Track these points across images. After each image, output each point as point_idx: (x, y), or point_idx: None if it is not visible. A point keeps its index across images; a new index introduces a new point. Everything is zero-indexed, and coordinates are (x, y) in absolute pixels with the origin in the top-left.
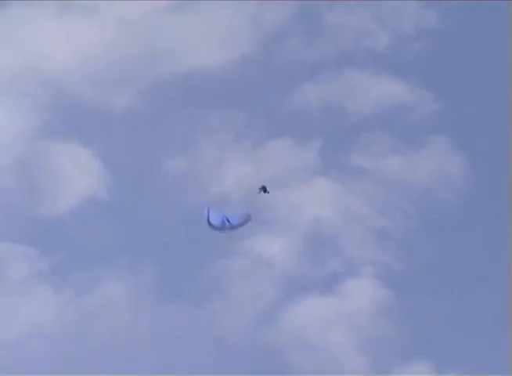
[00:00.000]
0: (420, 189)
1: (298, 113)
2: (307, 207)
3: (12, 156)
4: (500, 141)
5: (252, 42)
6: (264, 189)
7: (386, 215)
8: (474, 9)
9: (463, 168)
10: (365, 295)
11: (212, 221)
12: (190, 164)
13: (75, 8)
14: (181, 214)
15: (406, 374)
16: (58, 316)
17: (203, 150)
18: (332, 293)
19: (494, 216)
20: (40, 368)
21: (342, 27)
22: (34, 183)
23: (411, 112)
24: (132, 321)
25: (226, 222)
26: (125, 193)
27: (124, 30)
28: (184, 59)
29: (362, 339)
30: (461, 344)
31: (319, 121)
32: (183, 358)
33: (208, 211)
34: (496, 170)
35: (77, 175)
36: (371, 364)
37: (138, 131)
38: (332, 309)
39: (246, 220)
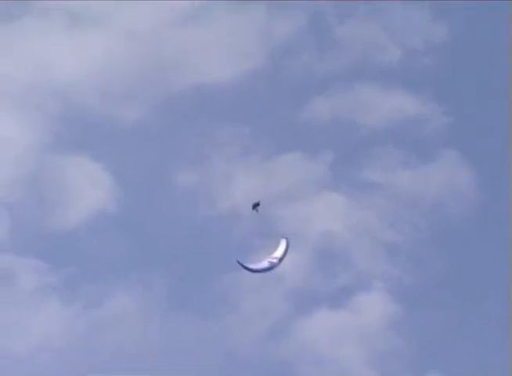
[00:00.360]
0: (431, 203)
1: (308, 127)
2: (317, 221)
3: (22, 169)
4: (510, 154)
5: (262, 56)
6: (256, 205)
7: (396, 229)
8: (484, 22)
9: (473, 181)
10: (376, 309)
11: (258, 267)
12: (200, 177)
13: (85, 21)
14: (191, 227)
15: None
16: (67, 329)
17: (212, 163)
18: (342, 307)
19: (504, 230)
20: None
21: (352, 40)
22: (43, 196)
23: (421, 126)
24: (142, 334)
25: (274, 260)
26: (135, 206)
27: (134, 44)
28: (193, 72)
29: (372, 353)
30: (471, 357)
31: (329, 135)
32: (193, 371)
33: (243, 264)
34: (506, 184)
35: (87, 188)
36: None
37: (147, 144)
38: (342, 322)
39: (288, 244)
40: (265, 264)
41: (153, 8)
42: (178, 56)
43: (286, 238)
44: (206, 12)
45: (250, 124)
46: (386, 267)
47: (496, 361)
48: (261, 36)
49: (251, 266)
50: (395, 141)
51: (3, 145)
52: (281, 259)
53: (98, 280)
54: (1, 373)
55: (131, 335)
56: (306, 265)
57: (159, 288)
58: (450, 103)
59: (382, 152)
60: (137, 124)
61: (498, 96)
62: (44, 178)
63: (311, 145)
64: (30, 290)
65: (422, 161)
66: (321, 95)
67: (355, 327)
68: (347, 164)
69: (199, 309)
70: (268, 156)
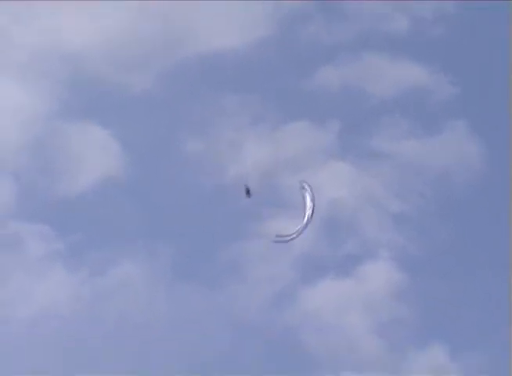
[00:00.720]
0: (438, 173)
1: (316, 96)
2: (324, 189)
3: (30, 135)
4: None
5: (271, 24)
6: (247, 191)
7: (403, 199)
8: None
9: (480, 152)
10: (382, 278)
11: (299, 227)
12: (208, 146)
13: None
14: (198, 195)
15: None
16: (72, 296)
17: (220, 132)
18: (348, 275)
19: (510, 201)
20: (54, 348)
21: (361, 9)
22: (51, 163)
23: (430, 96)
24: (148, 302)
25: (309, 212)
26: (142, 173)
27: (144, 12)
28: (202, 41)
29: (377, 322)
30: (477, 326)
31: (337, 104)
32: (198, 339)
33: (282, 239)
34: None
35: (95, 155)
36: (386, 347)
37: (156, 112)
38: (348, 291)
39: (310, 187)
40: (304, 221)
41: None
42: (188, 25)
43: (304, 182)
44: None
45: (258, 92)
46: (392, 236)
47: (501, 331)
48: (270, 4)
49: (291, 234)
50: (403, 111)
51: (10, 111)
52: (314, 206)
53: (104, 248)
54: (6, 339)
55: (137, 303)
56: (313, 233)
57: (165, 256)
58: (458, 73)
59: (390, 121)
60: (146, 91)
61: (507, 67)
62: (51, 145)
63: (318, 114)
64: (37, 256)
65: (429, 131)
66: (329, 64)
67: (360, 295)
68: (355, 133)
69: (205, 277)
70: (275, 125)
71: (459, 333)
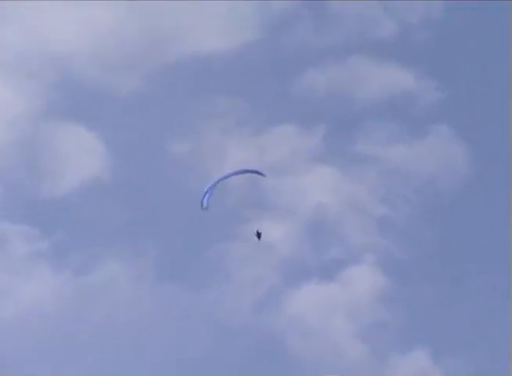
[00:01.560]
0: (423, 178)
1: (303, 100)
2: (309, 193)
3: (16, 136)
4: (503, 131)
5: (258, 28)
6: (258, 235)
7: (388, 203)
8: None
9: (466, 157)
10: (366, 282)
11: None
12: (193, 147)
13: None
14: (183, 196)
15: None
16: (56, 295)
17: (206, 134)
18: (332, 279)
19: (496, 205)
20: (37, 346)
21: (349, 14)
22: (36, 164)
23: (416, 101)
24: (132, 302)
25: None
26: (128, 175)
27: (132, 13)
28: (190, 43)
29: (361, 326)
30: (460, 331)
31: (323, 108)
32: (182, 339)
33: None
34: (499, 159)
35: (80, 156)
36: (370, 350)
37: (142, 114)
38: (332, 295)
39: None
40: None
41: None
42: (176, 27)
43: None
44: None
45: (245, 95)
46: (377, 241)
47: (486, 335)
48: (258, 8)
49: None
50: (389, 115)
51: None
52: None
53: (89, 248)
54: None
55: (121, 303)
56: (297, 237)
57: (150, 256)
58: (444, 79)
59: (375, 126)
60: (132, 93)
61: (491, 72)
62: (37, 146)
63: (304, 117)
64: (21, 256)
65: (415, 136)
66: (316, 68)
67: (345, 299)
68: (341, 137)
69: (189, 279)
70: (261, 128)
71: (443, 337)
